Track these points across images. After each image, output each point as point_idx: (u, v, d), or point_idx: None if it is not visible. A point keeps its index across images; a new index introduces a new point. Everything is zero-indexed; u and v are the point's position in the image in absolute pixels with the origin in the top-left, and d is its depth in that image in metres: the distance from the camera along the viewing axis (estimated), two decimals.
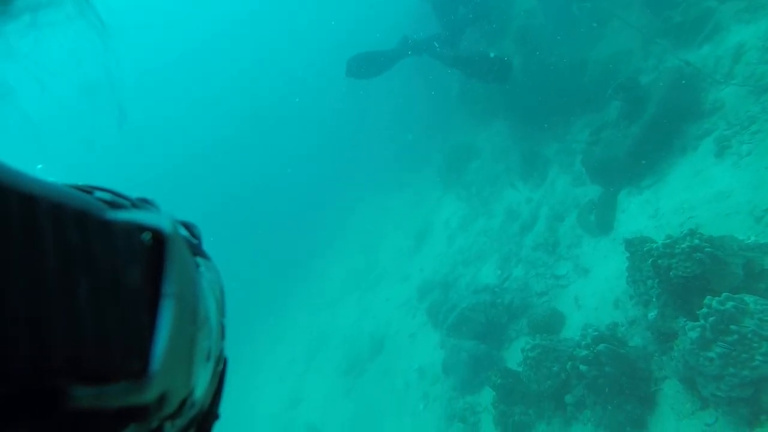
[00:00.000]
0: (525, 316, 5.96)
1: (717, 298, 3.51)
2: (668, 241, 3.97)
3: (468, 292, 7.15)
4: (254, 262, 15.89)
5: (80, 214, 0.32)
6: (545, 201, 7.30)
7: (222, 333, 0.49)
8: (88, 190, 0.42)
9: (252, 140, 20.61)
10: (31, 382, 0.28)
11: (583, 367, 4.34)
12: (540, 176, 7.83)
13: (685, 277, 3.83)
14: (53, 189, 0.32)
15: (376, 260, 12.17)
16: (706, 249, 3.77)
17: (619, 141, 5.93)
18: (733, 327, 3.39)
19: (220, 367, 0.48)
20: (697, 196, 4.93)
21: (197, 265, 0.47)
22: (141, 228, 0.37)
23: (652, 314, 4.16)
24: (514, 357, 5.71)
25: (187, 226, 0.53)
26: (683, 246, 3.84)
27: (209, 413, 0.46)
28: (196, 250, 0.50)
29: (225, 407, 0.50)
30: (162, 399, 0.35)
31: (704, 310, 3.52)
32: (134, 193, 0.46)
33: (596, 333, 4.50)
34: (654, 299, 4.14)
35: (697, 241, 3.83)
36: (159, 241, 0.38)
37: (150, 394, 0.34)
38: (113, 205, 0.40)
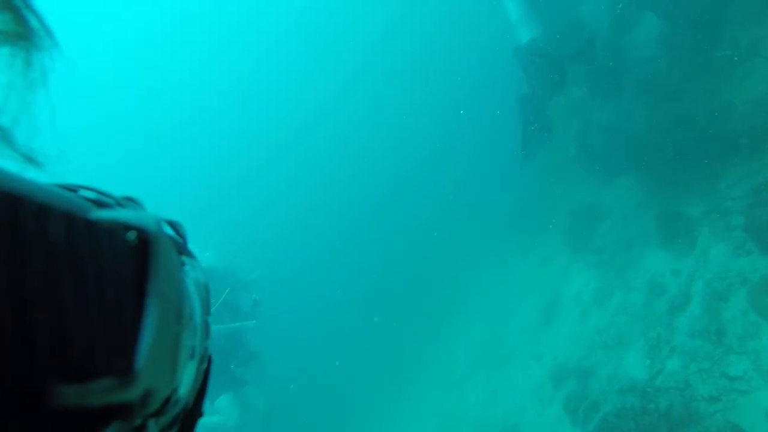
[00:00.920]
0: (692, 429, 4.67)
1: None
2: None
3: (611, 390, 5.94)
4: (372, 334, 15.46)
5: (66, 214, 0.32)
6: (698, 274, 5.97)
7: (206, 331, 0.48)
8: (72, 188, 0.41)
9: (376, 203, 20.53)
10: (15, 381, 0.27)
11: None
12: (686, 242, 6.51)
13: None
14: (38, 188, 0.31)
15: (503, 335, 11.10)
16: None
17: None
18: None
19: (204, 365, 0.48)
20: None
21: (182, 264, 0.46)
22: (126, 227, 0.36)
23: None
24: None
25: (173, 224, 0.50)
26: None
27: (193, 411, 0.45)
28: (182, 249, 0.49)
29: None
30: (146, 397, 0.35)
31: None
32: None
33: None
34: None
35: None
36: (144, 240, 0.37)
37: (134, 392, 0.34)
38: (98, 204, 0.39)
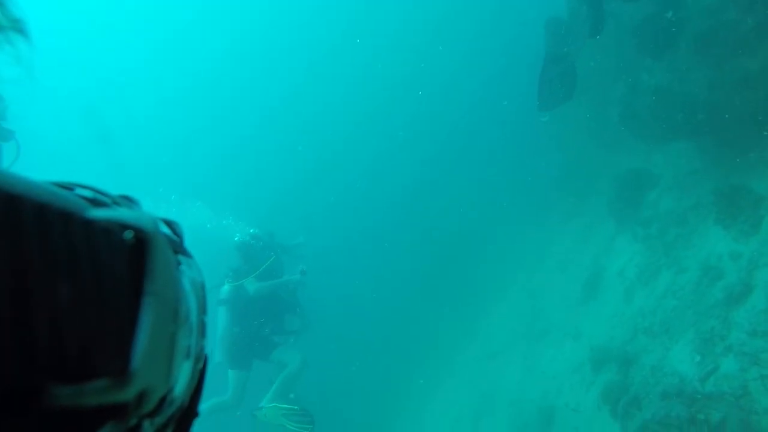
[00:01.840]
0: None
1: None
2: None
3: (655, 386, 5.29)
4: (411, 298, 15.10)
5: (63, 214, 0.32)
6: (763, 261, 5.11)
7: (202, 331, 0.47)
8: (69, 187, 0.41)
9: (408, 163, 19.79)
10: (11, 381, 0.27)
11: None
12: (749, 222, 5.60)
13: None
14: (35, 187, 0.31)
15: (541, 308, 10.45)
16: None
17: None
18: None
19: (200, 364, 0.47)
20: None
21: (179, 263, 0.45)
22: (123, 226, 0.36)
23: None
24: None
25: (169, 223, 0.50)
26: None
27: (188, 411, 0.45)
28: (178, 248, 0.48)
29: None
30: (141, 397, 0.35)
31: None
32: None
33: None
34: None
35: None
36: (140, 239, 0.37)
37: (129, 392, 0.33)
38: (95, 203, 0.39)
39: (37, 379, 0.28)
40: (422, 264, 15.75)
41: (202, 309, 0.48)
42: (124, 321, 0.34)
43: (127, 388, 0.33)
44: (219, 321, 7.32)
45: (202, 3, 20.85)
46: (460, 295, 13.88)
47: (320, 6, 20.59)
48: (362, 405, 12.69)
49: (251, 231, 7.82)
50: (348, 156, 20.59)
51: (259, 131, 21.62)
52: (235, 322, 7.25)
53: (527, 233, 13.13)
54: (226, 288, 7.45)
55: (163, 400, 0.38)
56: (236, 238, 7.66)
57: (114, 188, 0.46)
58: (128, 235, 0.36)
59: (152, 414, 0.37)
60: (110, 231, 0.35)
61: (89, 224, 0.33)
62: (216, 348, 7.22)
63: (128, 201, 0.46)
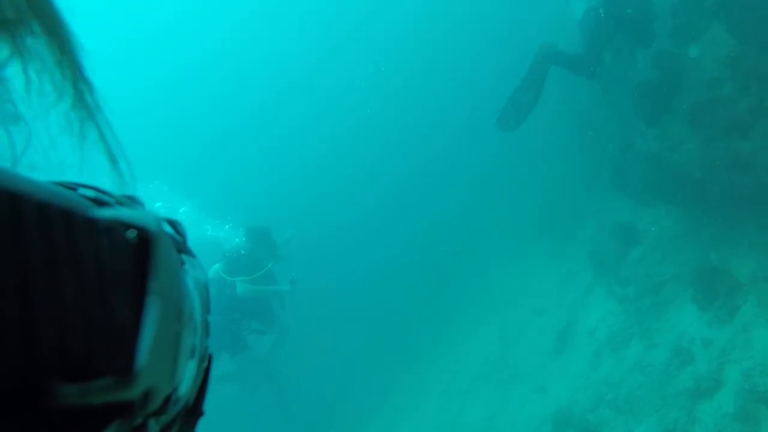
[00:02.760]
0: None
1: None
2: None
3: None
4: (383, 324, 14.71)
5: (66, 212, 0.31)
6: (735, 356, 4.81)
7: (206, 330, 0.47)
8: (71, 186, 0.41)
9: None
10: (15, 380, 0.27)
11: None
12: (725, 308, 5.31)
13: None
14: (37, 186, 0.31)
15: (512, 353, 10.14)
16: None
17: None
18: None
19: (205, 364, 0.47)
20: None
21: (182, 263, 0.45)
22: (126, 225, 0.36)
23: None
24: None
25: (172, 223, 0.49)
26: None
27: (194, 410, 0.45)
28: (181, 248, 0.48)
29: None
30: (146, 396, 0.35)
31: None
32: None
33: None
34: None
35: None
36: (144, 238, 0.36)
37: (134, 391, 0.33)
38: (97, 202, 0.39)
39: (41, 378, 0.28)
40: (398, 292, 15.34)
41: (206, 308, 0.48)
42: (129, 320, 0.34)
43: (132, 386, 0.32)
44: None
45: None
46: (434, 326, 13.52)
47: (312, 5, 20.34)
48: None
49: (236, 241, 7.50)
50: (335, 160, 20.22)
51: (246, 124, 21.31)
52: (214, 308, 6.97)
53: (508, 267, 12.82)
54: (215, 267, 7.14)
55: (168, 399, 0.38)
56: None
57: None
58: (131, 234, 0.36)
59: (157, 413, 0.37)
60: (113, 230, 0.34)
61: (92, 223, 0.33)
62: None
63: (131, 201, 0.45)
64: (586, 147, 9.36)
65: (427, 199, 17.46)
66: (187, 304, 0.41)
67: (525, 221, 12.86)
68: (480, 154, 14.94)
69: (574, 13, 6.29)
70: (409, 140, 18.89)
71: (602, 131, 7.88)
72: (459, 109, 17.00)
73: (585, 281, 9.21)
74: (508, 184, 14.30)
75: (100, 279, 0.31)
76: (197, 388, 0.45)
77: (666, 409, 5.18)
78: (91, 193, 0.41)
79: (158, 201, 10.05)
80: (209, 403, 0.48)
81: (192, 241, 0.51)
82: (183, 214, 9.29)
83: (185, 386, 0.41)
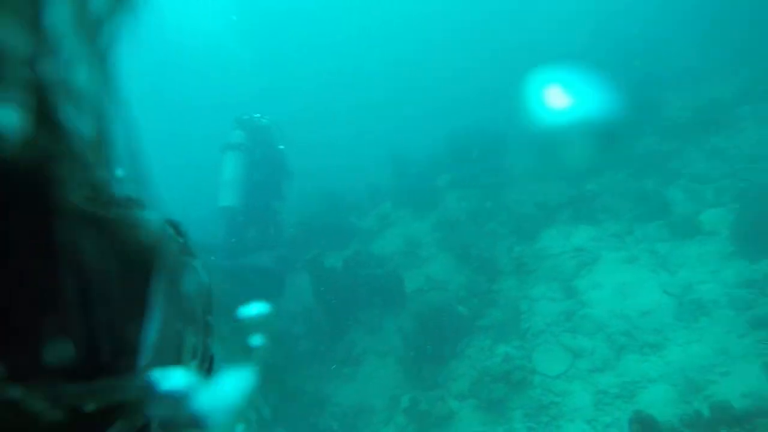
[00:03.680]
0: None
1: None
2: None
3: None
4: None
5: (68, 212, 0.30)
6: None
7: (208, 331, 0.47)
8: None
9: None
10: (21, 380, 0.26)
11: None
12: None
13: None
14: None
15: None
16: None
17: None
18: None
19: (206, 364, 0.47)
20: None
21: (184, 264, 0.45)
22: (129, 226, 0.35)
23: None
24: None
25: (174, 224, 0.49)
26: None
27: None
28: (184, 249, 0.48)
29: None
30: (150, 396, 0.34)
31: None
32: None
33: None
34: None
35: None
36: (148, 239, 0.36)
37: (138, 391, 0.32)
38: (101, 203, 0.38)
39: (46, 377, 0.27)
40: None
41: (208, 309, 0.48)
42: (133, 319, 0.33)
43: (135, 386, 0.32)
44: (226, 165, 6.70)
45: None
46: None
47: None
48: None
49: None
50: None
51: None
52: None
53: None
54: (239, 133, 6.93)
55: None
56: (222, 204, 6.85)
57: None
58: (134, 234, 0.35)
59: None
60: (116, 230, 0.34)
61: (95, 223, 0.32)
62: (221, 193, 6.63)
63: (136, 202, 0.45)
64: None
65: None
66: (189, 304, 0.41)
67: None
68: None
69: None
70: None
71: None
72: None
73: None
74: None
75: (105, 278, 0.31)
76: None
77: None
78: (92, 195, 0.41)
79: None
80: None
81: None
82: None
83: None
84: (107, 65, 0.38)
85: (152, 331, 0.34)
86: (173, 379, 0.37)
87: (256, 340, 0.56)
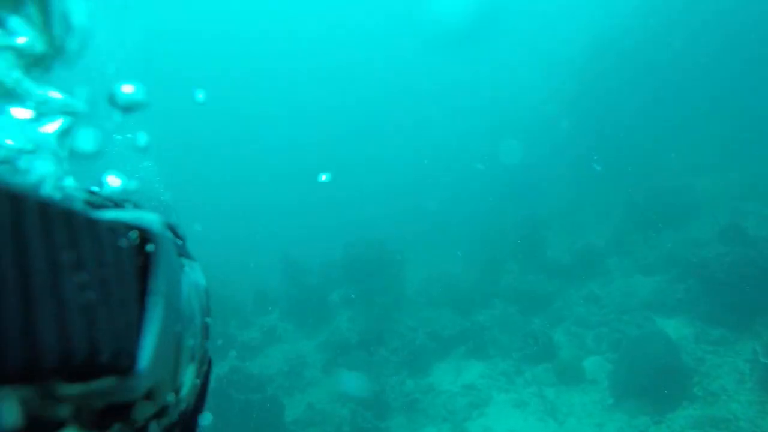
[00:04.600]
0: None
1: None
2: None
3: None
4: None
5: (67, 213, 0.30)
6: None
7: (206, 333, 0.46)
8: (74, 189, 0.41)
9: None
10: (20, 381, 0.26)
11: None
12: None
13: None
14: (39, 190, 0.30)
15: None
16: None
17: None
18: None
19: (205, 366, 0.46)
20: None
21: (182, 266, 0.44)
22: (128, 227, 0.35)
23: None
24: None
25: (172, 227, 0.48)
26: None
27: (195, 411, 0.44)
28: (181, 251, 0.47)
29: None
30: (148, 396, 0.34)
31: None
32: None
33: None
34: None
35: None
36: (145, 240, 0.36)
37: (137, 392, 0.32)
38: (99, 206, 0.39)
39: (45, 378, 0.27)
40: None
41: (206, 311, 0.47)
42: (132, 321, 0.33)
43: (134, 387, 0.32)
44: None
45: None
46: None
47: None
48: None
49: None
50: None
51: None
52: None
53: None
54: None
55: (170, 401, 0.37)
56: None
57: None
58: (133, 235, 0.35)
59: (159, 415, 0.36)
60: (115, 231, 0.34)
61: (94, 224, 0.32)
62: None
63: (133, 203, 0.45)
64: None
65: None
66: (187, 306, 0.39)
67: None
68: None
69: None
70: None
71: None
72: None
73: None
74: None
75: (102, 278, 0.31)
76: (198, 390, 0.43)
77: None
78: (93, 197, 0.42)
79: None
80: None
81: None
82: None
83: (186, 388, 0.40)
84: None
85: (151, 331, 0.33)
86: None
87: None
